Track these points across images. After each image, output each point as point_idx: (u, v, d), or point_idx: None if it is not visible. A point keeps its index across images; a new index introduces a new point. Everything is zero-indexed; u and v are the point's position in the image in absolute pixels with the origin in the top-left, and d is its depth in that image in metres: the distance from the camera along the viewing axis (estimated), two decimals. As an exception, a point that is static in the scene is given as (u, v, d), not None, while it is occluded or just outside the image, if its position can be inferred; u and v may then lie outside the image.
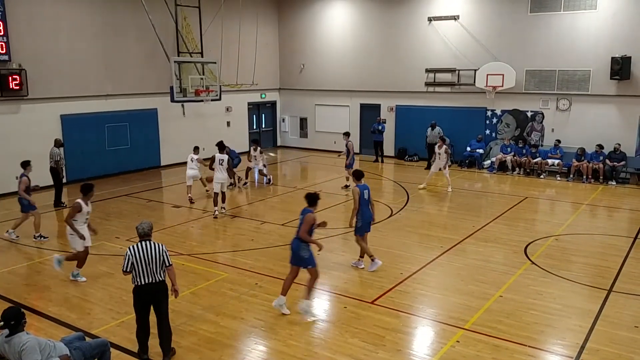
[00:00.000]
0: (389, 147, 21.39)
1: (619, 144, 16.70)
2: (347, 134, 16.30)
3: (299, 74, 23.77)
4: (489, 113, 19.50)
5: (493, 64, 18.51)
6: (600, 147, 16.93)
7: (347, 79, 22.35)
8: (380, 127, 20.76)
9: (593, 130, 17.32)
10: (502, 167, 18.61)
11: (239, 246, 10.75)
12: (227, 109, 21.84)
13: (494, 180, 17.79)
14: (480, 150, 19.34)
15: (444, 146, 15.75)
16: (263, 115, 24.44)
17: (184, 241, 11.06)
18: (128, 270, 6.24)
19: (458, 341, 6.92)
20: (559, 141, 17.80)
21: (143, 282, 6.25)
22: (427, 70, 20.34)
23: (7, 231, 11.38)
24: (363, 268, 9.47)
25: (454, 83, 19.88)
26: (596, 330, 7.22)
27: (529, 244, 10.77)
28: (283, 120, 24.67)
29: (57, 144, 13.93)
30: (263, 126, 24.49)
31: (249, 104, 23.13)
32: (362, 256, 9.61)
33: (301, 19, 23.31)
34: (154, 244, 6.33)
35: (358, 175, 9.37)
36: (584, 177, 16.94)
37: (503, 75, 18.19)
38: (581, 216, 13.39)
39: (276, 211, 13.46)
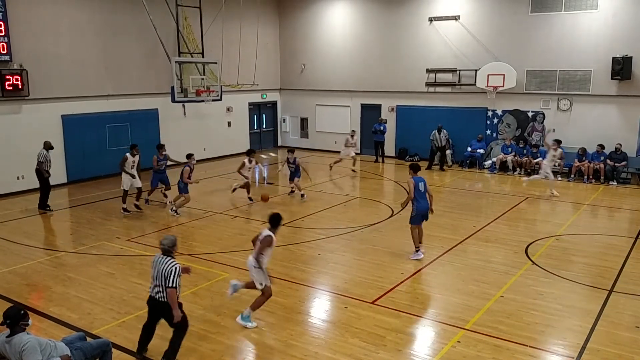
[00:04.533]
0: (389, 147, 21.39)
1: (620, 144, 16.69)
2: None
3: (299, 74, 23.77)
4: (489, 113, 19.49)
5: (494, 64, 18.51)
6: (602, 147, 16.92)
7: (348, 79, 22.35)
8: (381, 128, 20.76)
9: (594, 130, 17.31)
10: (502, 167, 18.60)
11: (240, 246, 10.75)
12: (228, 109, 21.85)
13: (494, 180, 17.78)
14: (481, 151, 19.33)
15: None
16: (264, 115, 24.44)
17: (184, 241, 11.05)
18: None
19: (459, 341, 6.92)
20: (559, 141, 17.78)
21: (149, 293, 6.37)
22: (428, 71, 20.33)
23: None
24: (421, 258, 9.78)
25: (455, 83, 19.87)
26: (597, 330, 7.21)
27: (530, 244, 10.76)
28: (284, 120, 24.68)
29: (46, 146, 13.48)
30: (264, 126, 24.49)
31: (249, 104, 23.14)
32: (417, 249, 9.87)
33: (302, 19, 23.32)
34: (166, 260, 6.17)
35: (415, 168, 9.79)
36: (585, 177, 16.94)
37: (504, 75, 18.18)
38: (582, 216, 13.38)
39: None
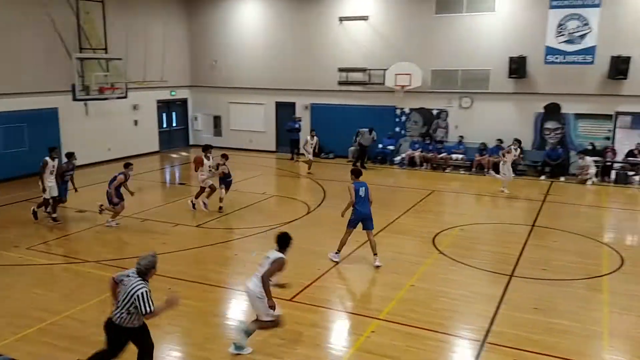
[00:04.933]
0: (304, 145, 21.55)
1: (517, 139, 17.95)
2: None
3: (211, 70, 23.29)
4: (398, 111, 20.22)
5: (401, 64, 19.17)
6: (500, 141, 18.10)
7: (262, 76, 22.21)
8: (297, 126, 20.88)
9: (493, 126, 18.47)
10: (411, 162, 19.38)
11: (150, 250, 10.34)
12: (135, 107, 20.93)
13: (404, 175, 18.49)
14: (391, 147, 20.03)
15: None
16: (174, 113, 23.69)
17: (90, 247, 10.47)
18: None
19: (373, 331, 7.12)
20: (461, 137, 18.88)
21: (108, 316, 5.50)
22: (340, 70, 20.70)
23: None
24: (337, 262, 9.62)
25: (366, 82, 20.39)
26: (500, 314, 7.71)
27: (437, 234, 11.31)
28: (195, 118, 24.06)
29: None
30: (174, 125, 23.74)
31: (158, 101, 22.32)
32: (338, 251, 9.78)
33: (212, 15, 22.85)
34: (135, 282, 5.34)
35: (356, 173, 9.73)
36: (486, 170, 18.05)
37: (411, 75, 18.90)
38: (484, 207, 14.26)
39: (189, 212, 13.08)
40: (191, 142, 24.27)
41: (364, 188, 9.51)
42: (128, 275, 5.44)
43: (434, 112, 19.64)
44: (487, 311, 7.75)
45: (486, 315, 7.62)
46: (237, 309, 7.99)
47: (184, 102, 23.92)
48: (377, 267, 9.37)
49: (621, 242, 11.44)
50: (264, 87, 22.21)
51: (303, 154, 18.93)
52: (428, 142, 19.43)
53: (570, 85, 17.38)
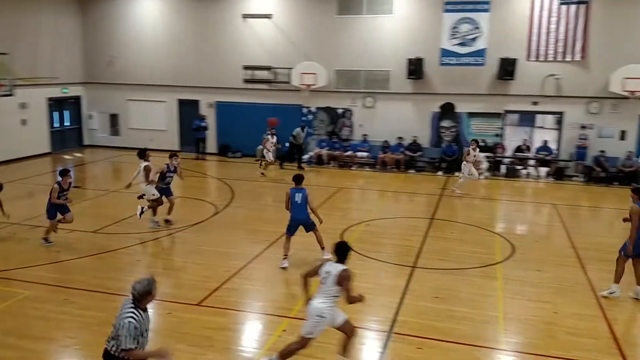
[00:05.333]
0: (210, 144, 21.06)
1: (416, 137, 18.81)
2: None
3: (107, 67, 22.03)
4: (304, 110, 20.38)
5: (306, 63, 19.33)
6: (401, 139, 18.87)
7: (163, 73, 21.38)
8: (204, 124, 20.36)
9: (394, 124, 19.17)
10: (319, 160, 19.63)
11: (43, 259, 9.60)
12: (22, 106, 19.29)
13: (312, 173, 18.64)
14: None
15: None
16: (66, 112, 22.13)
17: (-28, 259, 9.50)
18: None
19: (284, 330, 7.12)
20: (365, 135, 19.44)
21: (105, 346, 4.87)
22: (245, 67, 20.46)
23: None
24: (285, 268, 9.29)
25: (272, 80, 20.33)
26: (404, 304, 8.03)
27: (345, 230, 11.54)
28: (90, 117, 22.64)
29: None
30: (67, 124, 22.18)
31: (48, 99, 20.75)
32: (285, 255, 9.44)
33: (108, 9, 21.62)
34: (126, 309, 4.76)
35: (297, 179, 9.58)
36: (388, 167, 18.73)
37: (316, 74, 19.13)
38: (387, 202, 14.79)
39: (86, 217, 12.27)
40: (85, 142, 22.79)
41: (300, 194, 9.39)
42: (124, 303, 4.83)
43: (339, 111, 20.02)
44: (392, 302, 8.03)
45: (392, 306, 7.89)
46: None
47: (77, 99, 22.41)
48: (326, 259, 9.37)
49: (512, 231, 12.36)
50: (166, 84, 21.40)
51: (264, 157, 17.97)
52: (335, 140, 19.79)
53: (463, 86, 18.48)
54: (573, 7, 17.10)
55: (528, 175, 18.17)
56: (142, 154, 11.65)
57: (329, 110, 20.15)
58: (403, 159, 18.69)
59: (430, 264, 9.70)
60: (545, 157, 18.01)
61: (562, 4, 17.16)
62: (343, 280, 5.76)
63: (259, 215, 13.04)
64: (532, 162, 18.26)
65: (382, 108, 19.51)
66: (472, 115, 18.78)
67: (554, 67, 17.57)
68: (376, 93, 19.46)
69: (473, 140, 15.87)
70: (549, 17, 17.34)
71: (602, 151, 17.14)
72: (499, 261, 9.94)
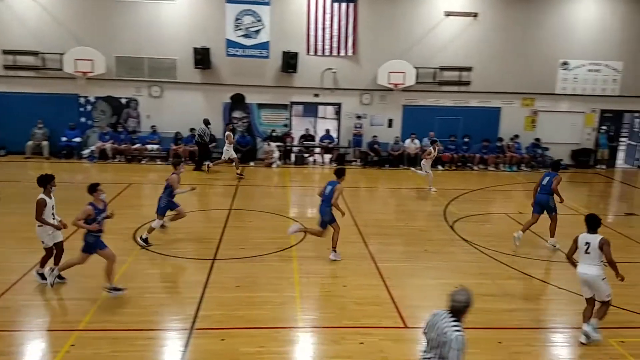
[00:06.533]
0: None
1: (195, 128, 18.31)
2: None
3: None
4: (82, 100, 18.54)
5: (81, 49, 17.56)
6: (192, 130, 18.36)
7: None
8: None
9: (185, 115, 18.60)
10: (102, 155, 18.10)
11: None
12: None
13: (95, 169, 17.15)
14: (78, 139, 18.30)
15: None
16: None
17: None
18: None
19: (73, 345, 6.43)
20: (154, 127, 18.54)
21: None
22: (5, 52, 17.72)
23: None
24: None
25: (39, 67, 17.98)
26: (206, 297, 7.92)
27: (138, 229, 10.87)
28: None
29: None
30: None
31: None
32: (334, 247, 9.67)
33: None
34: (448, 323, 4.51)
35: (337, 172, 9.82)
36: (184, 159, 18.12)
37: (93, 60, 17.53)
38: (182, 195, 14.31)
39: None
40: None
41: (330, 187, 9.54)
42: (435, 314, 4.66)
43: (123, 100, 18.70)
44: (193, 298, 7.86)
45: (193, 302, 7.71)
46: None
47: None
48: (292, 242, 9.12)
49: (304, 214, 13.07)
50: None
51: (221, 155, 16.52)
52: (120, 132, 18.42)
53: (251, 77, 18.83)
54: (344, 5, 18.66)
55: (314, 162, 19.46)
56: None
57: (110, 100, 18.65)
58: (197, 152, 18.30)
59: (230, 254, 9.72)
60: (328, 145, 19.48)
61: (334, 1, 18.54)
62: (605, 246, 6.71)
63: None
64: (317, 150, 19.59)
65: (171, 98, 18.80)
66: (261, 106, 19.29)
67: (330, 62, 18.99)
68: (163, 82, 18.65)
69: (434, 140, 16.03)
70: (324, 14, 18.64)
71: (375, 136, 19.22)
72: (294, 244, 10.44)
